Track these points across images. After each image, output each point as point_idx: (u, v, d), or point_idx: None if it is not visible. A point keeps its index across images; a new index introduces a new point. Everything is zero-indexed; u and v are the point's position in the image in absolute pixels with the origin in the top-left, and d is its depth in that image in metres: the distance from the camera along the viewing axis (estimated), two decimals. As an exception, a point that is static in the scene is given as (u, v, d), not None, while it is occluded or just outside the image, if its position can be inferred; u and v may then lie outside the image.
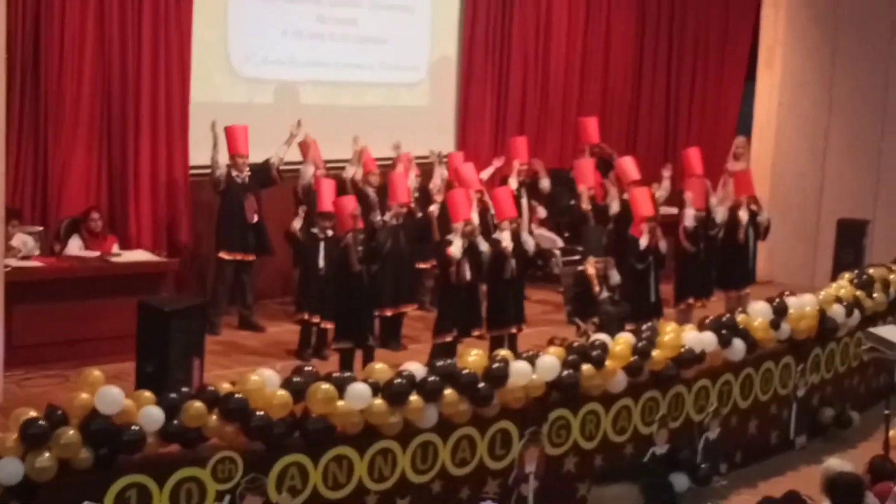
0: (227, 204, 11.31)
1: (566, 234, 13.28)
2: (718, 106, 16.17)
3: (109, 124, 11.34)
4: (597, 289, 10.77)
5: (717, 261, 12.27)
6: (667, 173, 12.93)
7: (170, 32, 11.59)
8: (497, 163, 12.96)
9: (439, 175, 12.19)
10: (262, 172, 11.50)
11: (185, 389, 7.32)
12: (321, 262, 10.54)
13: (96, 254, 10.42)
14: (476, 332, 10.45)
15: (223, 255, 11.26)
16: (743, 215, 12.24)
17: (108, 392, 6.88)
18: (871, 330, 9.80)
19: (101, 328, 9.93)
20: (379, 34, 13.60)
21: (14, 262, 9.74)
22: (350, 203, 10.33)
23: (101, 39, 11.18)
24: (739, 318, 9.92)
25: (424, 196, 11.73)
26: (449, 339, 10.27)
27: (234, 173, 11.30)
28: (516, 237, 10.60)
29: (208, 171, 11.43)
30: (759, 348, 9.88)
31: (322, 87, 13.22)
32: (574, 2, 15.33)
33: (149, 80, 11.49)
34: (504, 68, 14.61)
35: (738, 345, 9.67)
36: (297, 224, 10.80)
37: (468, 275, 10.22)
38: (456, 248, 10.13)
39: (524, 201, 12.54)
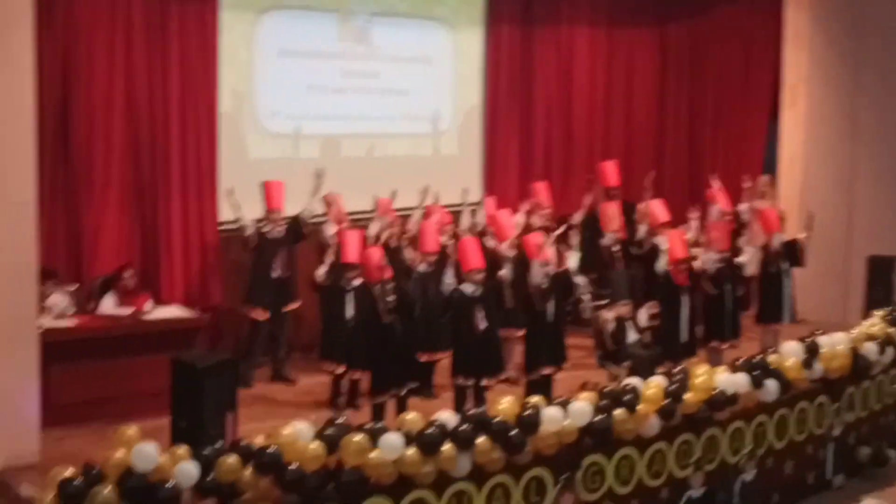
0: (259, 259, 11.38)
1: (594, 278, 13.27)
2: (743, 145, 16.16)
3: (140, 184, 11.48)
4: (609, 341, 10.75)
5: (752, 299, 12.23)
6: (694, 215, 12.97)
7: (196, 92, 11.75)
8: (523, 207, 12.98)
9: (467, 220, 12.23)
10: (295, 227, 11.58)
11: (219, 444, 7.36)
12: (348, 312, 10.58)
13: (130, 311, 10.50)
14: (488, 381, 10.39)
15: (257, 313, 11.33)
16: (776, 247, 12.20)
17: (144, 449, 6.95)
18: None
19: (136, 385, 9.99)
20: (401, 86, 13.73)
21: (49, 322, 9.85)
22: (376, 254, 10.40)
23: (129, 101, 11.35)
24: (771, 358, 9.90)
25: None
26: (469, 383, 10.28)
27: (266, 228, 11.39)
28: (560, 277, 10.64)
29: (236, 226, 11.52)
30: (792, 388, 9.87)
31: (347, 140, 13.33)
32: (595, 46, 15.45)
33: (177, 139, 11.63)
34: (527, 115, 14.73)
35: (771, 385, 9.67)
36: (321, 271, 10.82)
37: (483, 324, 10.25)
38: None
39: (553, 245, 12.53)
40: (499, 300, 10.60)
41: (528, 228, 12.21)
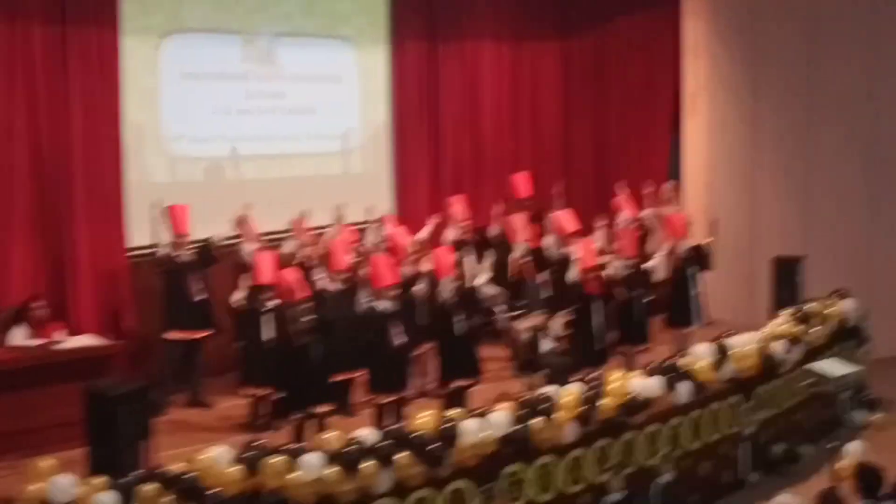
0: (171, 284, 11.31)
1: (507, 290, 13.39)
2: (648, 153, 16.38)
3: (45, 212, 11.35)
4: (524, 352, 10.85)
5: (663, 303, 12.48)
6: (601, 223, 13.18)
7: (99, 117, 11.66)
8: (432, 222, 13.02)
9: (371, 236, 12.28)
10: (205, 251, 11.53)
11: (136, 472, 7.29)
12: (265, 334, 10.55)
13: (41, 341, 10.36)
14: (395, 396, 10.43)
15: (172, 334, 11.25)
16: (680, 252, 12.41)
17: (60, 481, 6.89)
18: (808, 366, 9.94)
19: (49, 416, 9.84)
20: (307, 105, 13.73)
21: (-45, 357, 9.69)
22: (291, 274, 10.38)
23: (31, 127, 11.23)
24: (683, 361, 10.04)
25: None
26: (383, 400, 10.31)
27: (174, 253, 11.31)
28: (464, 291, 10.71)
29: (148, 251, 11.43)
30: (705, 390, 10.00)
31: (254, 162, 13.30)
32: (500, 59, 15.60)
33: (81, 165, 11.53)
34: (436, 130, 14.81)
35: (684, 388, 9.79)
36: (237, 296, 10.80)
37: (400, 339, 10.31)
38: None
39: (466, 260, 12.61)
40: (412, 316, 10.63)
41: (436, 243, 12.29)
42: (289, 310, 10.05)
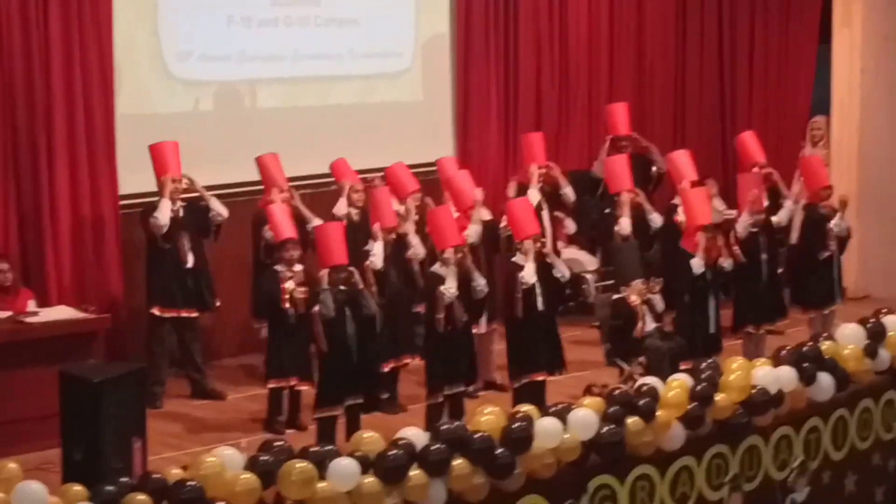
0: (157, 245, 11.41)
1: (600, 254, 13.39)
2: (786, 80, 16.22)
3: (15, 152, 11.45)
4: (640, 323, 10.83)
5: (792, 274, 12.37)
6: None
7: (85, 29, 11.72)
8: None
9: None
10: (198, 215, 11.58)
11: (123, 480, 7.37)
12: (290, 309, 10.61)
13: (7, 314, 10.49)
14: (465, 387, 10.49)
15: (156, 311, 11.38)
16: (839, 221, 12.30)
17: (28, 490, 6.97)
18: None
19: (17, 408, 9.98)
20: (348, 15, 13.72)
21: None
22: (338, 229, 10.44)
23: (-1, 47, 11.32)
24: (825, 346, 9.99)
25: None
26: (440, 398, 10.37)
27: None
28: (542, 261, 10.69)
29: (145, 200, 11.51)
30: (852, 383, 9.96)
31: (280, 86, 13.34)
32: (596, -39, 15.47)
33: (62, 90, 11.61)
34: (511, 48, 14.71)
35: (825, 380, 9.75)
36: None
37: (464, 317, 10.32)
38: (449, 287, 10.22)
39: (545, 214, 12.61)
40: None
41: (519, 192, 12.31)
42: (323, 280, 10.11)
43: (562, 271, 10.91)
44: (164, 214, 11.19)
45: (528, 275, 10.51)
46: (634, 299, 10.98)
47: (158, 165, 11.44)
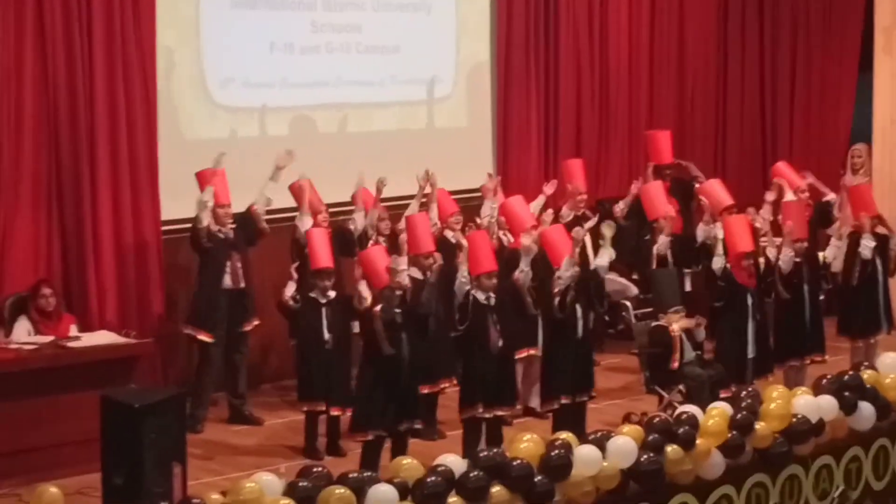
0: (209, 268, 11.47)
1: (638, 280, 13.34)
2: (827, 107, 16.15)
3: (59, 178, 11.50)
4: (675, 354, 10.82)
5: (838, 303, 12.37)
6: (770, 197, 13.03)
7: (128, 57, 11.76)
8: (548, 190, 12.97)
9: (488, 210, 12.28)
10: (247, 224, 11.66)
11: (164, 504, 7.40)
12: (326, 333, 10.66)
13: (49, 338, 10.52)
14: (503, 411, 10.47)
15: (204, 336, 11.41)
16: (867, 242, 12.24)
17: (68, 513, 6.99)
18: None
19: (58, 432, 10.00)
20: (390, 41, 13.78)
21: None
22: (382, 255, 10.43)
23: (43, 70, 11.36)
24: (866, 375, 9.94)
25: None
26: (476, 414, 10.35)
27: (214, 228, 11.46)
28: (583, 280, 10.72)
29: (187, 226, 11.57)
30: (893, 412, 9.92)
31: (322, 112, 13.39)
32: (636, -15, 15.47)
33: (105, 117, 11.66)
34: (551, 74, 14.73)
35: (867, 409, 9.71)
36: (289, 291, 10.90)
37: (500, 341, 10.32)
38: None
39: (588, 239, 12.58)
40: (516, 309, 10.63)
41: (555, 219, 12.27)
42: (369, 312, 10.09)
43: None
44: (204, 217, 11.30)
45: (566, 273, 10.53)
46: (675, 329, 10.96)
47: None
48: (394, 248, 11.33)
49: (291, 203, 12.00)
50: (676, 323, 11.02)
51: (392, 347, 9.95)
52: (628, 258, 13.38)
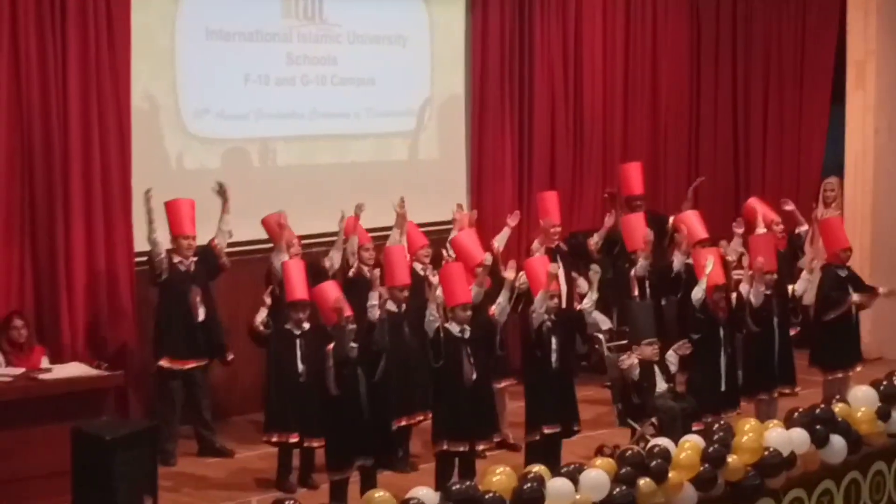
0: (168, 299, 11.47)
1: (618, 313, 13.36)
2: (799, 140, 16.24)
3: (32, 208, 11.46)
4: (632, 392, 10.88)
5: (810, 336, 12.42)
6: (739, 229, 13.06)
7: (103, 87, 11.75)
8: (512, 222, 12.90)
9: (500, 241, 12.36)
10: (208, 258, 11.67)
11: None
12: (300, 365, 10.63)
13: (21, 370, 10.47)
14: (478, 444, 10.45)
15: (165, 363, 11.41)
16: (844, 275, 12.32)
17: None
18: None
19: (29, 464, 9.88)
20: (365, 74, 13.81)
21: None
22: (332, 290, 10.41)
23: (17, 98, 11.33)
24: (837, 408, 9.94)
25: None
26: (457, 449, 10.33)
27: (176, 259, 11.45)
28: (563, 315, 10.76)
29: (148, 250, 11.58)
30: (865, 446, 9.90)
31: (296, 144, 13.41)
32: (610, 19, 15.50)
33: (79, 148, 11.63)
34: (525, 108, 14.77)
35: (838, 443, 9.68)
36: (260, 317, 10.84)
37: (474, 374, 10.30)
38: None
39: (561, 273, 12.56)
40: (489, 343, 10.63)
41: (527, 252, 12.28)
42: (331, 334, 10.09)
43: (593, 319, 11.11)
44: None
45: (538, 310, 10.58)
46: (647, 359, 10.95)
47: (174, 222, 11.48)
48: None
49: (261, 235, 11.99)
50: (633, 356, 11.02)
51: (346, 385, 9.92)
52: (604, 292, 13.39)
